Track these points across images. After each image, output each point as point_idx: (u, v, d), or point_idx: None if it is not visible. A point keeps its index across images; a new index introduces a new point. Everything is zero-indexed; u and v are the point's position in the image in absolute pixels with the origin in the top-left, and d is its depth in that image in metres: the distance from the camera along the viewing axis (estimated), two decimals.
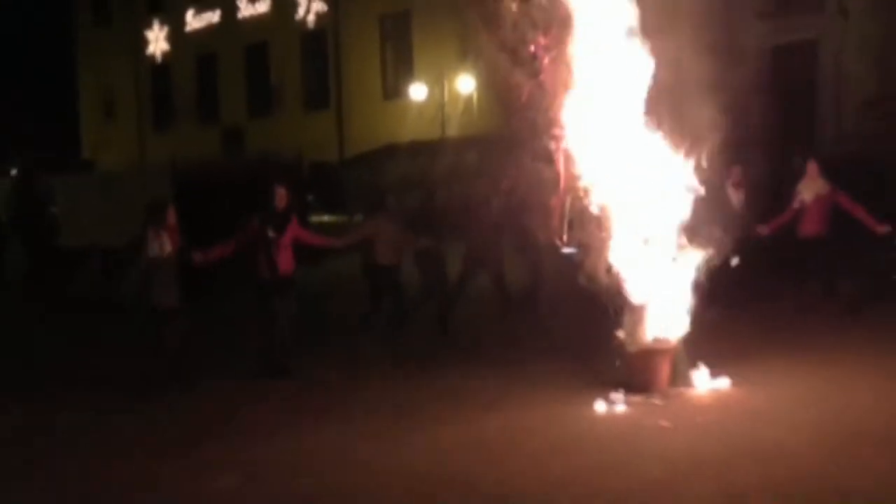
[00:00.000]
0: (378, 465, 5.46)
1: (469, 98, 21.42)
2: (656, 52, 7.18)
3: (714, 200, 7.47)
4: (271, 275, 7.75)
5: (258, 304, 7.92)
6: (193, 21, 28.84)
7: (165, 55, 30.28)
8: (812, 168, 9.40)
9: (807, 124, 17.64)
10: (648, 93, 7.00)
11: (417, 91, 22.15)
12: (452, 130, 21.13)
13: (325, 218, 17.05)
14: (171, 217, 7.65)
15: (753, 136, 17.64)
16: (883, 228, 8.88)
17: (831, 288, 9.59)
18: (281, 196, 7.93)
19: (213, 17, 28.28)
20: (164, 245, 7.49)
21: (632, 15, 6.99)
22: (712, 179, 7.87)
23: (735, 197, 9.67)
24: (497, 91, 19.13)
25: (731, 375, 6.81)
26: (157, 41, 30.30)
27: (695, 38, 19.26)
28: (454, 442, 5.88)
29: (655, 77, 7.24)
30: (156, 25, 30.22)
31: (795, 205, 9.38)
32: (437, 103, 21.28)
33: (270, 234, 7.76)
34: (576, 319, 8.09)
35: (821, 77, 17.72)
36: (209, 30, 28.39)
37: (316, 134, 24.25)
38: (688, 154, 6.93)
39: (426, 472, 5.32)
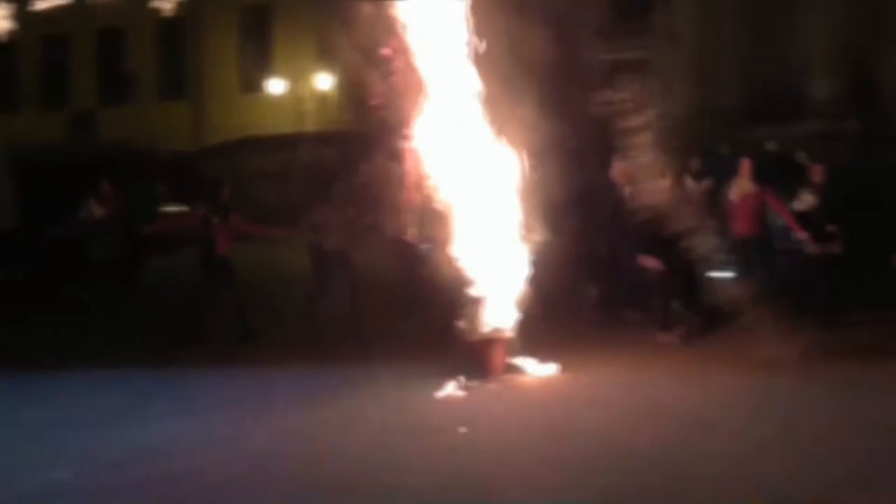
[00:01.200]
0: (230, 446, 5.83)
1: (327, 94, 21.64)
2: (498, 63, 7.73)
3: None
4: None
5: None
6: (39, 0, 27.64)
7: (9, 35, 28.81)
8: (744, 167, 9.30)
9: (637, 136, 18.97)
10: (490, 100, 7.55)
11: (276, 85, 22.17)
12: (310, 126, 21.31)
13: (178, 208, 16.84)
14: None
15: (591, 145, 18.86)
16: (803, 234, 8.81)
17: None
18: (105, 192, 8.43)
19: None
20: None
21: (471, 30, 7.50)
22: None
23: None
24: (352, 89, 19.53)
25: (561, 363, 7.42)
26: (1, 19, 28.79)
27: (539, 53, 20.22)
28: (298, 425, 6.31)
29: (496, 86, 7.82)
30: None
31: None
32: (296, 98, 21.39)
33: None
34: (425, 312, 8.51)
35: (651, 94, 19.13)
36: (58, 11, 27.25)
37: (171, 124, 23.80)
38: (524, 155, 7.55)
39: (271, 450, 5.72)
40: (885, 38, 16.11)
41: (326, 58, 21.25)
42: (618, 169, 9.76)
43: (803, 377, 6.96)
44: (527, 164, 7.54)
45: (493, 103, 7.54)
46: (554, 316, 8.31)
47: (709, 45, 17.96)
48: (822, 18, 16.32)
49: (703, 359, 7.78)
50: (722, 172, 13.95)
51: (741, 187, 9.28)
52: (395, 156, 7.87)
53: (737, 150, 15.45)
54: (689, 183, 10.17)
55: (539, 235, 7.53)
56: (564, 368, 7.42)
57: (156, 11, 25.42)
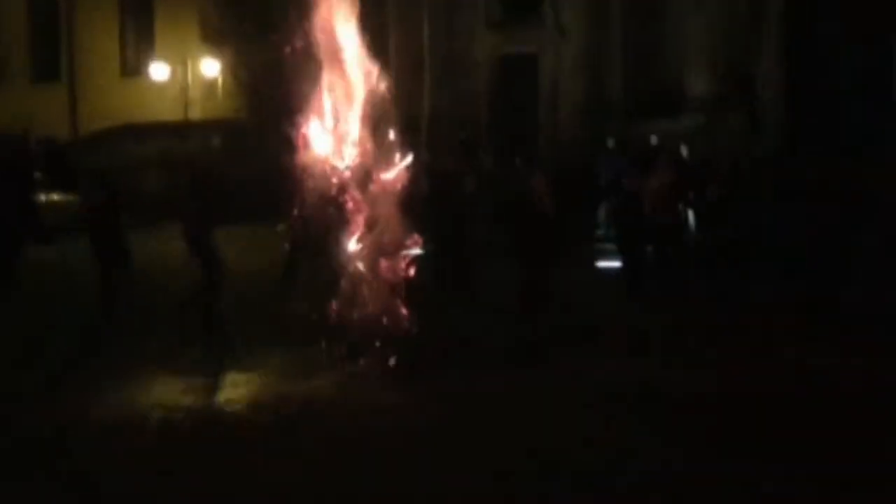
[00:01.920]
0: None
1: (213, 81, 21.06)
2: (393, 55, 7.72)
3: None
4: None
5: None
6: None
7: None
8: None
9: (529, 129, 19.37)
10: (381, 90, 7.53)
11: (159, 69, 21.40)
12: (195, 113, 20.67)
13: (56, 197, 16.11)
14: None
15: (484, 138, 19.10)
16: None
17: None
18: None
19: None
20: None
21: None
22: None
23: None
24: (240, 76, 19.09)
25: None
26: None
27: (430, 45, 20.53)
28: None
29: (389, 75, 7.80)
30: None
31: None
32: (180, 84, 20.71)
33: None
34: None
35: (541, 87, 19.55)
36: None
37: (46, 109, 22.65)
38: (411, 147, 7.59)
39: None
40: (759, 36, 16.85)
41: (212, 41, 20.67)
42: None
43: None
44: (414, 154, 7.58)
45: (383, 93, 7.53)
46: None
47: (595, 41, 18.38)
48: (700, 16, 16.93)
49: None
50: (610, 165, 14.46)
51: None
52: (286, 143, 7.75)
53: (623, 144, 15.95)
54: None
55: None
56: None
57: None
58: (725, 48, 16.81)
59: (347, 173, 7.55)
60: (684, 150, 14.77)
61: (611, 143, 15.66)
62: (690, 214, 14.41)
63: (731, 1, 16.77)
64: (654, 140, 15.09)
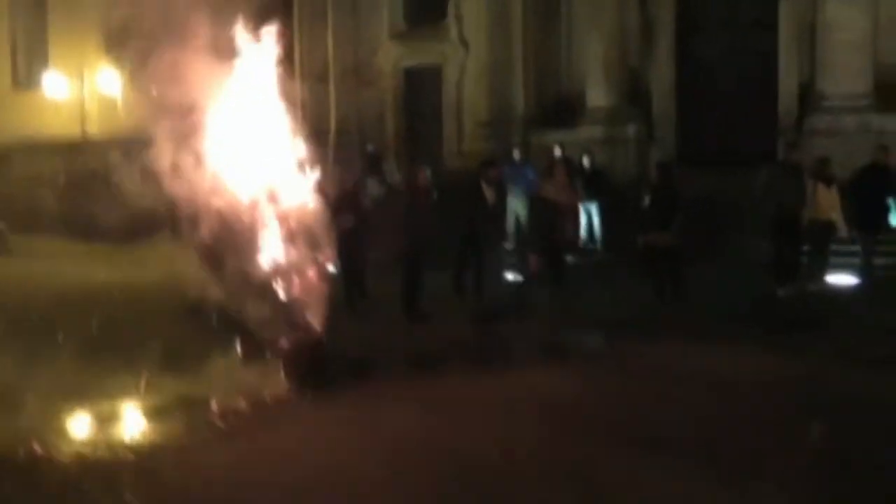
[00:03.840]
0: None
1: (113, 96, 20.53)
2: (301, 67, 7.74)
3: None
4: None
5: None
6: None
7: None
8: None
9: (434, 140, 19.61)
10: (283, 103, 7.54)
11: (54, 82, 20.73)
12: (94, 129, 20.12)
13: None
14: None
15: (390, 149, 19.23)
16: None
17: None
18: None
19: None
20: None
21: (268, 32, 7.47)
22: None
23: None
24: (142, 91, 18.64)
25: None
26: None
27: (335, 55, 20.47)
28: None
29: (294, 88, 7.82)
30: None
31: None
32: (77, 99, 20.12)
33: None
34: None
35: (445, 98, 19.84)
36: None
37: None
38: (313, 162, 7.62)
39: None
40: (650, 45, 17.51)
41: (111, 53, 20.14)
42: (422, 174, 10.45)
43: None
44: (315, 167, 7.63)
45: (289, 104, 7.55)
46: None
47: (497, 53, 18.75)
48: (595, 29, 17.47)
49: None
50: (515, 177, 14.78)
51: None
52: (186, 161, 7.66)
53: (527, 154, 16.31)
54: (485, 188, 10.84)
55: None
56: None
57: None
58: (620, 59, 17.39)
59: (253, 189, 7.53)
60: (586, 160, 15.23)
61: (516, 153, 15.98)
62: (595, 221, 14.94)
63: (623, 12, 17.36)
64: (557, 151, 15.48)
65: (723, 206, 13.26)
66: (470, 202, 10.74)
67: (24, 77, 22.73)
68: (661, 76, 17.51)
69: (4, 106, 22.14)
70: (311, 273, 7.59)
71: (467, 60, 19.43)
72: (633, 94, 17.50)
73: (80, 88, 20.21)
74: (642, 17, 17.54)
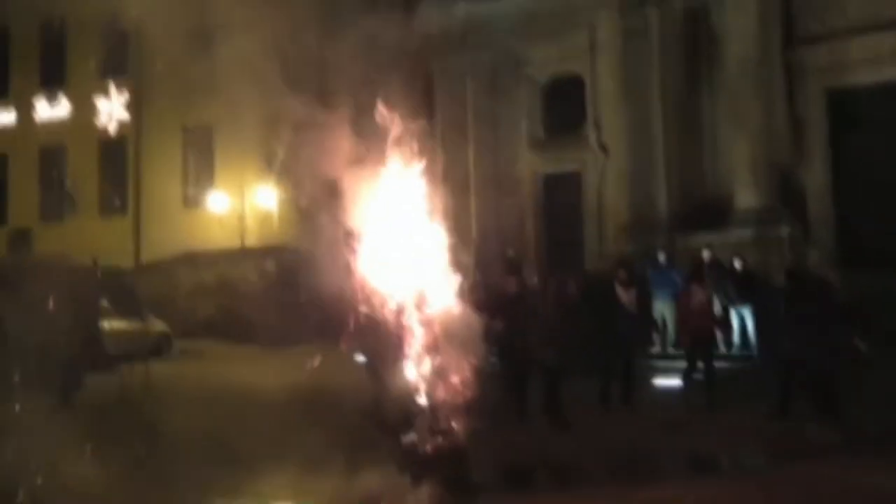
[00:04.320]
0: None
1: (269, 210, 21.81)
2: (443, 179, 7.99)
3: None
4: None
5: None
6: None
7: None
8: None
9: (575, 244, 19.56)
10: (433, 212, 7.75)
11: (218, 200, 22.27)
12: (252, 240, 21.33)
13: (118, 323, 16.58)
14: None
15: (530, 253, 19.31)
16: None
17: None
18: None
19: (9, 117, 27.25)
20: None
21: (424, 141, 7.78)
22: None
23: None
24: (296, 204, 19.76)
25: None
26: None
27: (475, 166, 20.90)
28: None
29: (440, 198, 8.04)
30: None
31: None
32: (237, 213, 21.49)
33: None
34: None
35: (585, 203, 19.86)
36: (2, 129, 27.27)
37: (111, 240, 23.57)
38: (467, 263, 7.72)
39: None
40: (801, 147, 17.01)
41: (268, 174, 21.55)
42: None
43: None
44: (470, 270, 7.72)
45: (434, 215, 7.74)
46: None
47: (638, 158, 18.71)
48: (742, 130, 17.18)
49: None
50: (660, 280, 14.47)
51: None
52: (340, 267, 7.94)
53: (672, 258, 15.99)
54: (620, 291, 10.66)
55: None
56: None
57: (99, 131, 25.59)
58: (768, 158, 16.97)
59: (402, 295, 7.68)
60: (737, 263, 14.75)
61: (661, 256, 15.69)
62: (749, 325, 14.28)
63: (770, 112, 17.02)
64: (706, 254, 15.09)
65: (890, 308, 12.42)
66: (605, 306, 10.49)
67: (193, 197, 24.58)
68: (815, 175, 16.93)
69: (174, 223, 23.95)
70: (457, 377, 7.60)
71: (607, 165, 19.49)
72: (784, 193, 16.96)
73: (240, 204, 21.61)
74: (791, 117, 17.15)
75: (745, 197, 17.08)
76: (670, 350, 14.24)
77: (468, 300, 7.83)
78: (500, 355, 9.75)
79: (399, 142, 7.84)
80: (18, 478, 7.54)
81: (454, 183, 20.37)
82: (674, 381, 11.38)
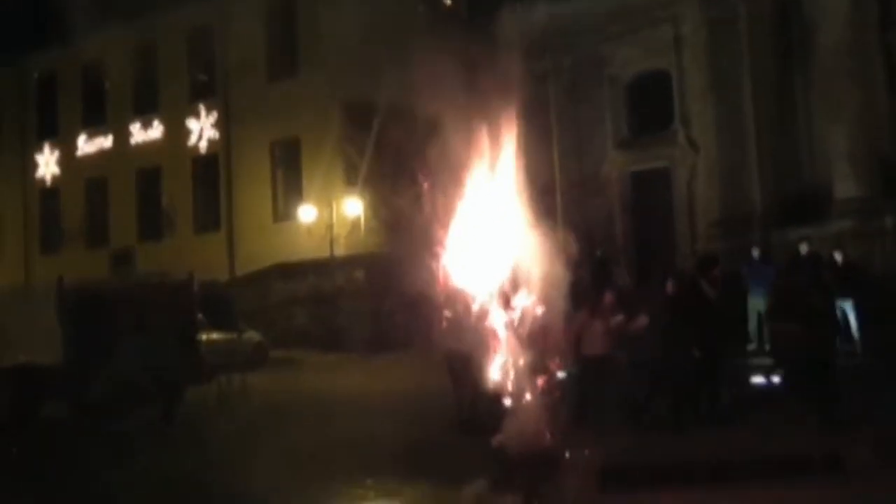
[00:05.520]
0: None
1: (356, 219, 22.07)
2: (527, 182, 7.91)
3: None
4: None
5: None
6: (85, 146, 28.91)
7: (55, 179, 30.08)
8: None
9: (665, 243, 19.12)
10: (520, 214, 7.69)
11: (306, 213, 22.69)
12: (340, 250, 21.62)
13: (215, 335, 17.08)
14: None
15: (619, 253, 18.99)
16: None
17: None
18: None
19: (106, 142, 28.43)
20: None
21: (507, 149, 7.73)
22: None
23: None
24: (382, 213, 19.96)
25: None
26: (48, 165, 30.17)
27: (561, 166, 20.71)
28: None
29: (527, 201, 7.98)
30: (46, 149, 30.12)
31: None
32: (326, 224, 21.83)
33: None
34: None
35: (675, 200, 19.40)
36: (101, 154, 28.46)
37: (206, 255, 24.29)
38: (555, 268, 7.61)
39: None
40: None
41: (355, 184, 21.85)
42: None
43: None
44: (560, 274, 7.61)
45: (522, 221, 7.67)
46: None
47: (729, 152, 18.20)
48: (840, 120, 16.52)
49: None
50: (756, 276, 14.00)
51: None
52: (427, 274, 7.95)
53: (767, 253, 15.47)
54: (706, 288, 10.30)
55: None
56: None
57: (191, 150, 26.44)
58: (869, 147, 16.27)
59: (492, 298, 7.63)
60: (837, 255, 14.17)
61: (756, 252, 15.20)
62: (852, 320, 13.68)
63: (869, 100, 16.32)
64: (803, 248, 14.55)
65: None
66: (692, 306, 9.99)
67: (283, 211, 25.13)
68: None
69: (266, 236, 24.53)
70: (548, 380, 7.51)
71: (697, 161, 19.03)
72: (887, 183, 16.24)
73: (328, 215, 21.95)
74: (890, 102, 16.42)
75: (845, 187, 16.41)
76: (767, 347, 13.76)
77: (570, 300, 7.72)
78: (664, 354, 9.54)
79: (484, 147, 7.83)
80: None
81: (539, 185, 20.26)
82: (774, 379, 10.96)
